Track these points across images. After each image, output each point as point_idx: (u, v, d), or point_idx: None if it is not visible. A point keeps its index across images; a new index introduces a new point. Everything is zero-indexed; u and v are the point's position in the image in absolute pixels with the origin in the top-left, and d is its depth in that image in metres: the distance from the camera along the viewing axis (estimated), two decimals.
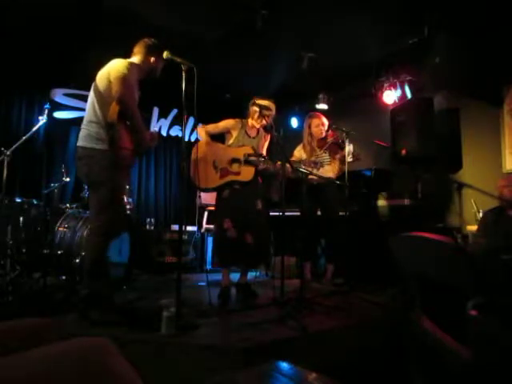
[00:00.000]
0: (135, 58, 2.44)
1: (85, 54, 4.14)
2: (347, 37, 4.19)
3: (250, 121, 3.17)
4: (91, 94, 2.34)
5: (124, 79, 2.18)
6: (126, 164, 2.37)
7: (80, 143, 2.30)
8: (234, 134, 3.14)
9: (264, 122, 3.10)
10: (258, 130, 3.23)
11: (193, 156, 2.98)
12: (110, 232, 2.31)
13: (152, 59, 2.45)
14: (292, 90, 5.54)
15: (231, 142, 3.14)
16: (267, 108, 3.07)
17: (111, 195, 2.25)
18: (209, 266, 4.50)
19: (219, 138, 3.22)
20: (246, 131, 3.15)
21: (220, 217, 3.05)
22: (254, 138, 3.18)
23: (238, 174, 3.01)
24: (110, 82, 2.23)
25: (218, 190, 3.09)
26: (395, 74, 4.78)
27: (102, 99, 2.26)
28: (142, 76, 2.40)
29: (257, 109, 3.07)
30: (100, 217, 2.27)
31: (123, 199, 2.54)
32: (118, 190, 2.33)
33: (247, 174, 3.00)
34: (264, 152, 3.29)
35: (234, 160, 3.04)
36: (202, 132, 3.12)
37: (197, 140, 3.16)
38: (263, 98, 3.13)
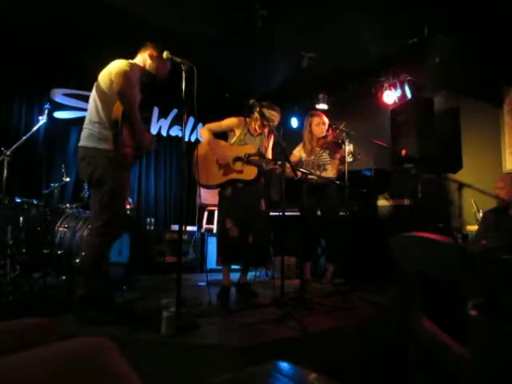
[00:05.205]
0: (137, 59, 2.45)
1: (85, 54, 4.14)
2: (347, 37, 4.19)
3: (252, 123, 3.14)
4: (93, 94, 2.33)
5: (125, 74, 2.18)
6: (128, 164, 2.37)
7: (82, 143, 2.30)
8: (237, 132, 3.12)
9: (265, 129, 3.09)
10: (262, 130, 3.21)
11: (195, 153, 2.97)
12: (110, 232, 2.30)
13: (153, 62, 2.44)
14: (292, 90, 5.55)
15: (234, 140, 3.12)
16: (270, 120, 3.02)
17: (112, 195, 2.25)
18: (209, 266, 4.50)
19: (221, 135, 3.22)
20: (248, 130, 3.14)
21: (222, 216, 3.06)
22: (257, 136, 3.17)
23: (240, 172, 3.01)
24: (111, 80, 2.23)
25: (221, 187, 3.10)
26: (395, 74, 4.78)
27: (105, 99, 2.26)
28: (143, 78, 2.39)
29: (259, 117, 3.03)
30: (100, 216, 2.26)
31: (125, 200, 2.53)
32: (120, 190, 2.32)
33: (250, 172, 3.00)
34: (269, 152, 3.29)
35: (237, 158, 3.04)
36: (204, 132, 3.10)
37: (197, 140, 3.16)
38: (270, 106, 3.07)
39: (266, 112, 3.01)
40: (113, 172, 2.24)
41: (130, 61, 2.35)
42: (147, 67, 2.44)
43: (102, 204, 2.25)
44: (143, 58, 2.45)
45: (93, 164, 2.24)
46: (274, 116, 3.07)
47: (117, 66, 2.25)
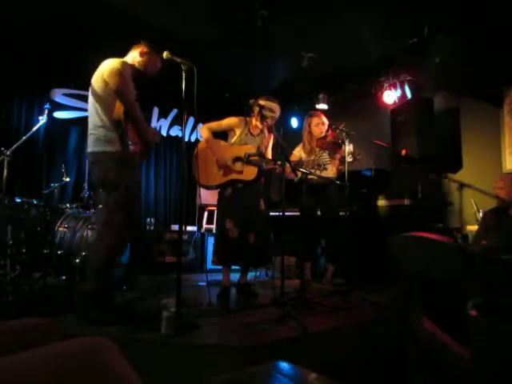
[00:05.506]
0: (127, 57, 2.45)
1: (85, 54, 4.13)
2: (347, 37, 4.19)
3: (253, 120, 3.13)
4: (90, 99, 2.33)
5: (119, 72, 2.19)
6: (137, 162, 2.36)
7: (90, 149, 2.30)
8: (238, 132, 3.11)
9: (266, 123, 3.08)
10: (262, 129, 3.19)
11: (195, 153, 2.97)
12: (124, 231, 2.29)
13: (142, 59, 2.44)
14: (292, 90, 5.55)
15: (234, 140, 3.11)
16: (270, 110, 3.03)
17: (125, 195, 2.25)
18: (209, 266, 4.50)
19: (221, 135, 3.21)
20: (249, 130, 3.13)
21: (222, 216, 3.05)
22: (257, 136, 3.16)
23: (240, 172, 3.01)
24: (105, 82, 2.23)
25: (221, 188, 3.09)
26: (395, 74, 4.78)
27: (103, 101, 2.26)
28: (135, 75, 2.39)
29: (258, 109, 3.03)
30: (114, 216, 2.26)
31: (139, 199, 2.51)
32: (132, 189, 2.32)
33: (250, 173, 3.00)
34: (269, 151, 3.28)
35: (237, 159, 3.03)
36: (204, 130, 3.09)
37: (197, 140, 3.16)
38: (269, 98, 3.07)
39: (266, 104, 3.01)
40: (123, 172, 2.24)
41: (121, 59, 2.35)
42: (136, 64, 2.43)
43: (115, 205, 2.25)
44: (133, 56, 2.45)
45: (104, 168, 2.25)
46: (274, 107, 3.05)
47: (109, 66, 2.25)
